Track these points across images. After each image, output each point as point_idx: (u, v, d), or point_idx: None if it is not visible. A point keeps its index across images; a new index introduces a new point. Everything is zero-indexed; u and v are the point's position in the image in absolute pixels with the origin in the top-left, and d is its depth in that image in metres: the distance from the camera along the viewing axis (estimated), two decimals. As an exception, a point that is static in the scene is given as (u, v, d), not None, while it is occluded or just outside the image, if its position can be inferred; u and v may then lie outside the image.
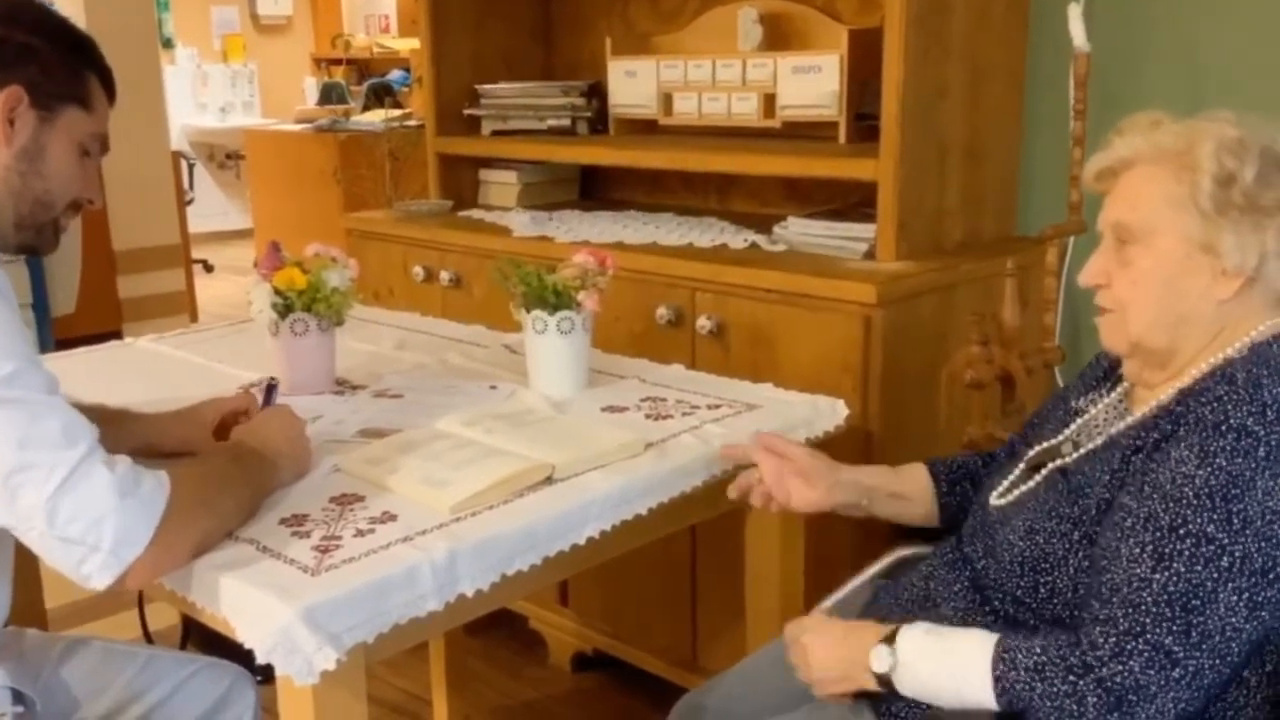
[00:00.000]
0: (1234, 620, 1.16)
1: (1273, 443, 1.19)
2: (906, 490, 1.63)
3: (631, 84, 2.80)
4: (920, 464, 1.65)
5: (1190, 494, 1.19)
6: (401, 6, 9.38)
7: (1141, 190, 1.32)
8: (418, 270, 2.88)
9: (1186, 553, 1.17)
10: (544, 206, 3.04)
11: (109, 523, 1.22)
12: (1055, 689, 1.18)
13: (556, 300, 1.84)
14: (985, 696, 1.23)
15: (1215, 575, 1.16)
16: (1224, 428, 1.21)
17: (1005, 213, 2.47)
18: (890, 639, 1.31)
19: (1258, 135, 1.28)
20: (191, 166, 7.77)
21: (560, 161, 3.08)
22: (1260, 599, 1.17)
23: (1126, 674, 1.16)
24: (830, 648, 1.37)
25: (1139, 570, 1.19)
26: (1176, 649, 1.16)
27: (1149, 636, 1.16)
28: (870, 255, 2.22)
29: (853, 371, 2.07)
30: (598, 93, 2.97)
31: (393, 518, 1.41)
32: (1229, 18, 2.19)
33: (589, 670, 2.81)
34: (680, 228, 2.63)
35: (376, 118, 5.80)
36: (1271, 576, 1.17)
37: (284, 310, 1.85)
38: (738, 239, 2.46)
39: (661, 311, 2.34)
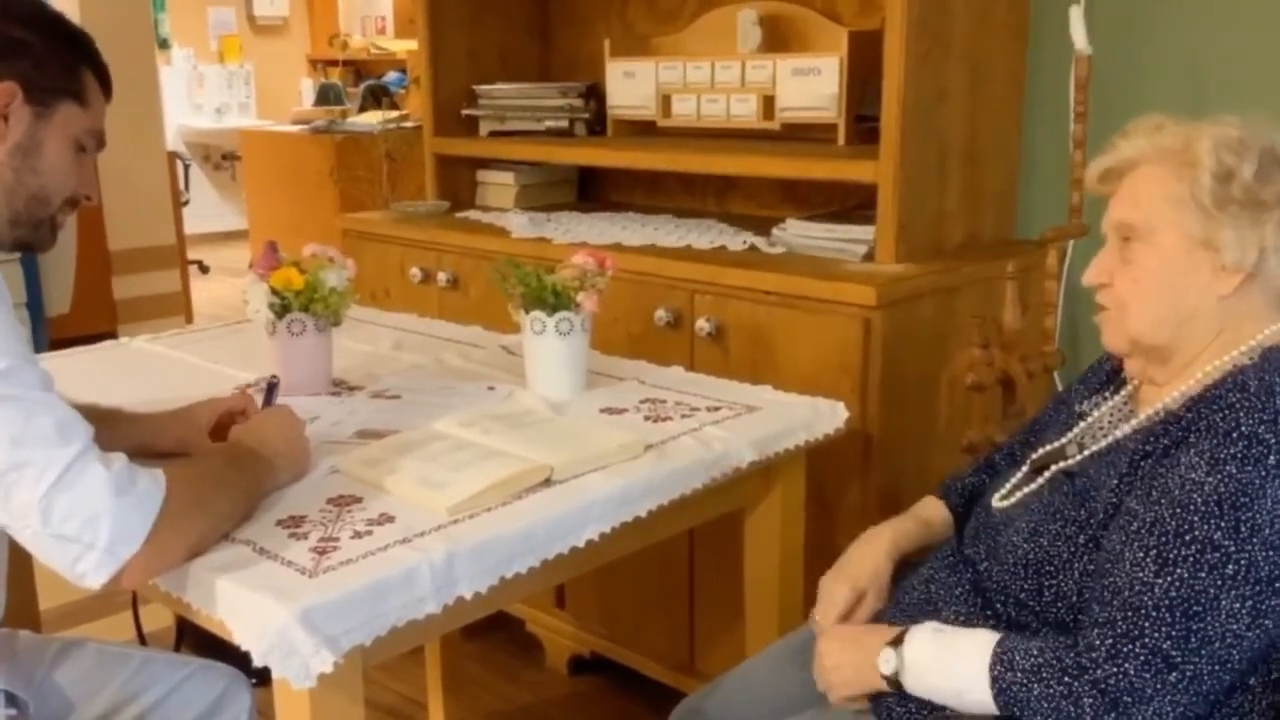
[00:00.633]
0: (1235, 627, 1.16)
1: None
2: (930, 518, 1.61)
3: (630, 85, 2.79)
4: (931, 497, 1.64)
5: (1199, 500, 1.18)
6: (398, 8, 9.37)
7: (1143, 190, 1.33)
8: (414, 271, 2.87)
9: (1191, 559, 1.17)
10: (541, 208, 3.03)
11: (104, 520, 1.20)
12: (1051, 690, 1.18)
13: (555, 301, 1.83)
14: (984, 698, 1.23)
15: (1219, 582, 1.16)
16: (1235, 435, 1.20)
17: (1005, 215, 2.46)
18: (898, 641, 1.31)
19: (1259, 135, 1.30)
20: (187, 167, 7.74)
21: (558, 163, 3.07)
22: (1265, 607, 1.16)
23: (1121, 676, 1.16)
24: (841, 651, 1.38)
25: (1141, 574, 1.19)
26: (1174, 653, 1.15)
27: (1146, 640, 1.16)
28: (870, 257, 2.21)
29: (852, 374, 2.06)
30: (596, 94, 2.96)
31: (390, 519, 1.39)
32: (1231, 20, 2.18)
33: (586, 674, 2.80)
34: (678, 230, 2.62)
35: (373, 119, 5.78)
36: (1278, 585, 1.16)
37: (281, 310, 1.84)
38: (736, 241, 2.46)
39: (660, 313, 2.33)
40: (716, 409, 1.81)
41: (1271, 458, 1.18)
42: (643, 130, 2.84)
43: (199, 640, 2.52)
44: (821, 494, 2.09)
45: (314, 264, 1.87)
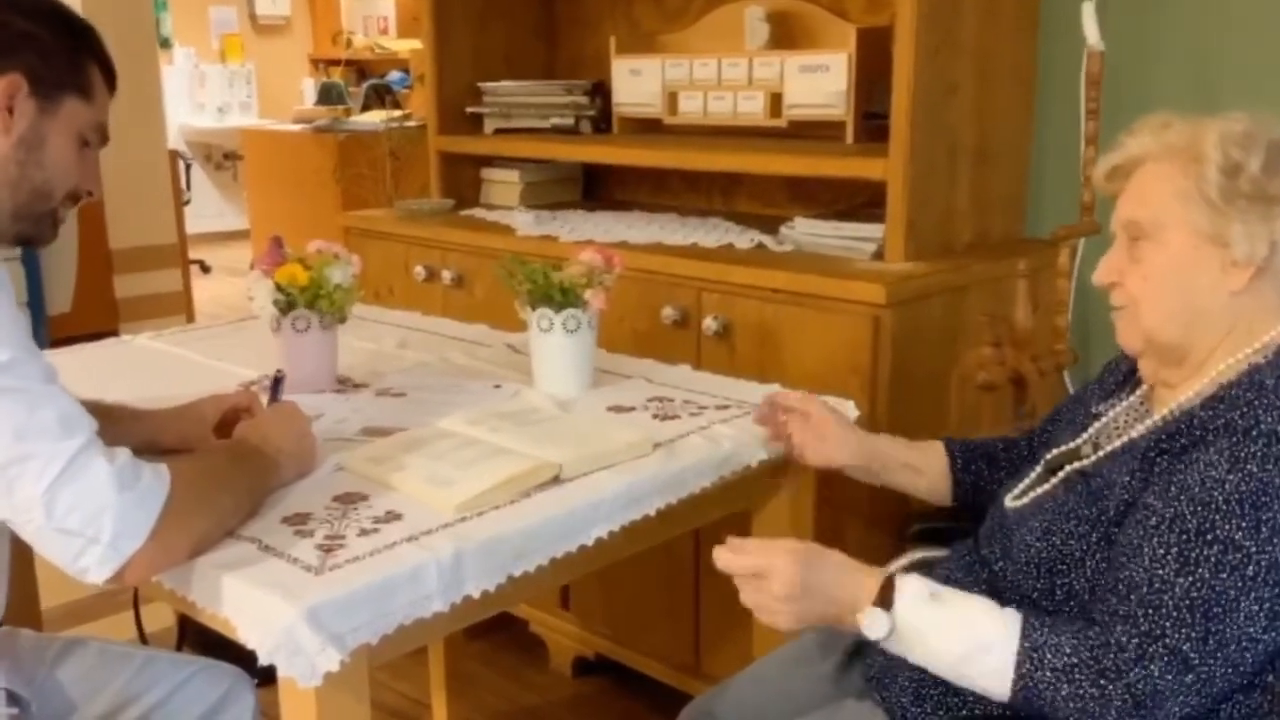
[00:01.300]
0: (1252, 630, 1.15)
1: None
2: (921, 464, 1.65)
3: (636, 82, 2.77)
4: (938, 441, 1.66)
5: (1220, 499, 1.17)
6: (400, 7, 9.36)
7: (1151, 187, 1.32)
8: (419, 270, 2.85)
9: (1213, 559, 1.15)
10: (546, 206, 3.01)
11: (108, 515, 1.19)
12: (1082, 691, 1.16)
13: (563, 298, 1.82)
14: (996, 684, 1.20)
15: (1239, 583, 1.15)
16: (1255, 433, 1.19)
17: (1014, 213, 2.45)
18: (884, 598, 1.24)
19: (1266, 129, 1.29)
20: (188, 167, 7.73)
21: (563, 161, 3.06)
22: None
23: (1148, 679, 1.15)
24: (805, 590, 1.26)
25: (1161, 572, 1.17)
26: (1193, 655, 1.14)
27: (1167, 640, 1.15)
28: (878, 256, 2.20)
29: (861, 373, 2.05)
30: (602, 91, 2.94)
31: (397, 517, 1.38)
32: (1244, 16, 2.17)
33: (590, 675, 2.78)
34: (685, 228, 2.60)
35: (376, 118, 5.77)
36: None
37: (286, 306, 1.83)
38: (744, 239, 2.44)
39: (667, 311, 2.31)
40: (725, 407, 1.80)
41: None
42: (649, 128, 2.82)
43: (200, 640, 2.51)
44: (830, 493, 2.07)
45: (319, 260, 1.85)
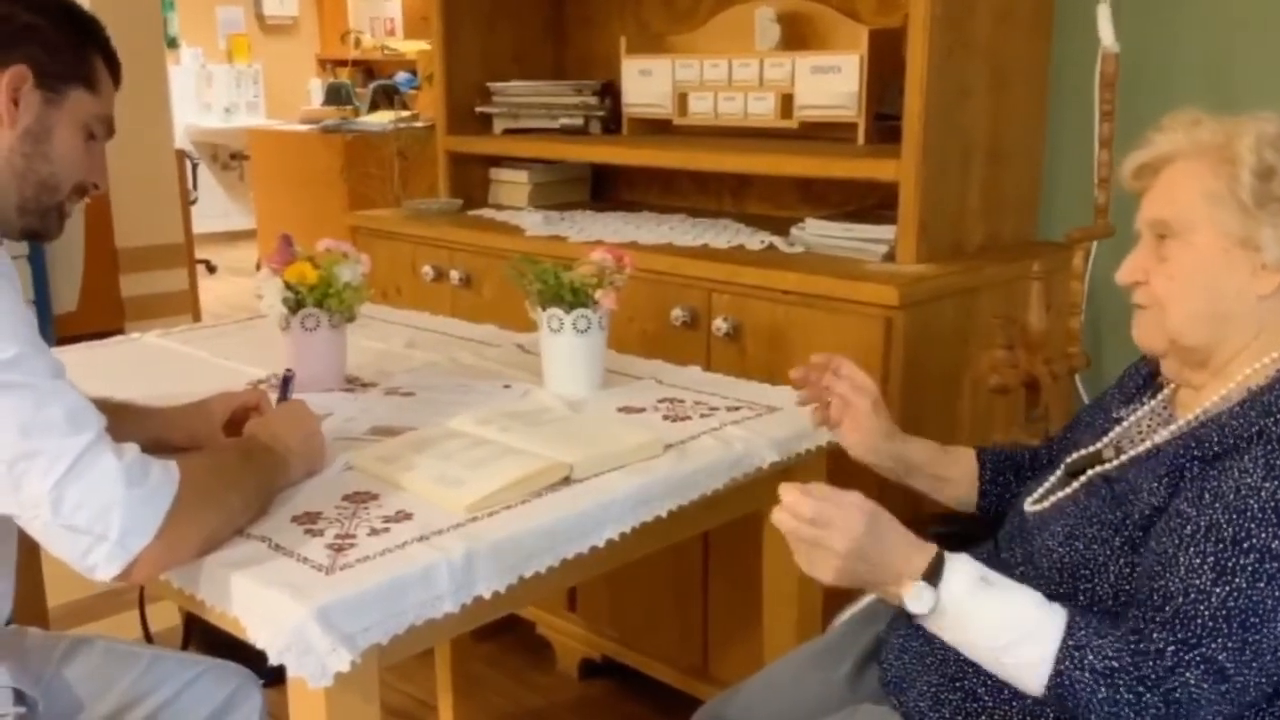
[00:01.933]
0: None
1: None
2: (950, 474, 1.61)
3: (646, 83, 2.76)
4: (970, 449, 1.63)
5: (1256, 507, 1.15)
6: (407, 9, 9.36)
7: (1180, 185, 1.30)
8: (427, 269, 2.84)
9: (1250, 568, 1.14)
10: (555, 206, 3.00)
11: (116, 512, 1.18)
12: (1119, 696, 1.14)
13: (573, 298, 1.81)
14: (1030, 676, 1.18)
15: (1276, 593, 1.13)
16: None
17: (1026, 215, 2.43)
18: (933, 572, 1.21)
19: None
20: (195, 166, 7.73)
21: (572, 161, 3.05)
22: None
23: (1184, 688, 1.13)
24: (861, 550, 1.21)
25: (1198, 581, 1.15)
26: (1229, 665, 1.13)
27: (1204, 649, 1.13)
28: (890, 257, 2.18)
29: (872, 375, 1.99)
30: (611, 92, 2.93)
31: (408, 516, 1.37)
32: (1261, 17, 2.15)
33: (596, 677, 2.77)
34: (694, 229, 2.59)
35: (384, 118, 5.77)
36: None
37: (295, 305, 1.82)
38: (754, 240, 2.43)
39: (677, 312, 2.30)
40: (736, 409, 1.78)
41: None
42: (658, 129, 2.81)
43: (206, 640, 2.50)
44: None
45: (328, 259, 1.85)
